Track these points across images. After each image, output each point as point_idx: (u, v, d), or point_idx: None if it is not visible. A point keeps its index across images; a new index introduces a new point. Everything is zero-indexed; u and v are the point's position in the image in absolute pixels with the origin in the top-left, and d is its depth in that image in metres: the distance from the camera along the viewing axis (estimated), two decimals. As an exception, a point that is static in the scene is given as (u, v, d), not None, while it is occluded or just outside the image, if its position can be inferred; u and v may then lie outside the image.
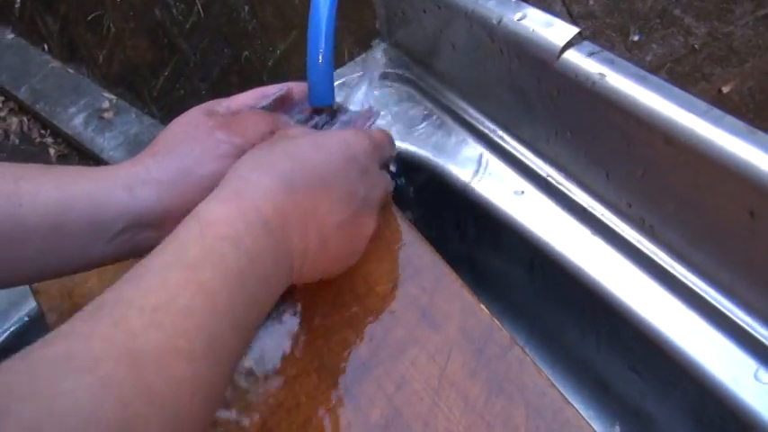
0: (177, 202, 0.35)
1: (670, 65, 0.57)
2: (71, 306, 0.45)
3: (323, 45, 0.42)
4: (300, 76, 0.42)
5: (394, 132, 0.52)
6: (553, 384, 0.38)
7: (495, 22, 0.42)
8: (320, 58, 0.42)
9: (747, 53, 0.52)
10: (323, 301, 0.41)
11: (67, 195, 0.33)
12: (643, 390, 0.46)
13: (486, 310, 0.40)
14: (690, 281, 0.40)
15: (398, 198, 0.45)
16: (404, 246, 0.43)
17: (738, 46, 0.52)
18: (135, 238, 0.35)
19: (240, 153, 0.35)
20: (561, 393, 0.37)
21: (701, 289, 0.39)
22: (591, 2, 0.59)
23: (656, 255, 0.41)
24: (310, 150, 0.34)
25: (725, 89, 0.55)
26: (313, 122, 0.44)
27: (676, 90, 0.34)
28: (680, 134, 0.34)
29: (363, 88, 0.53)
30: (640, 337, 0.41)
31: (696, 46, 0.54)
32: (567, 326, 0.50)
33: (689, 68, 0.56)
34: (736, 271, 0.37)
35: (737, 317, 0.38)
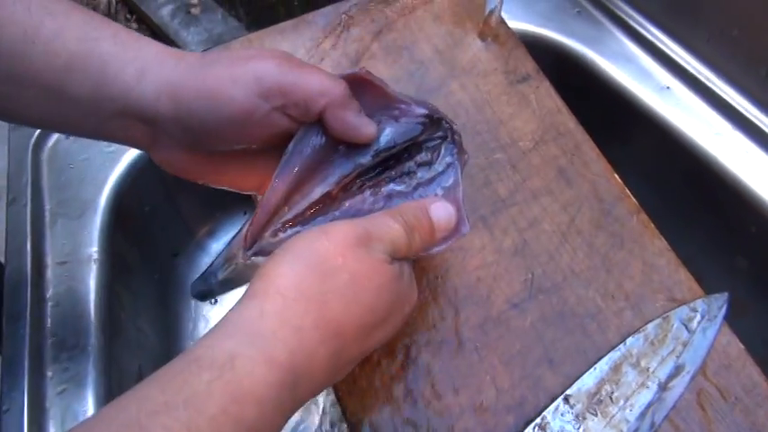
0: (173, 110, 0.30)
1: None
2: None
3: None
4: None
5: (546, 24, 0.55)
6: (670, 249, 0.42)
7: None
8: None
9: None
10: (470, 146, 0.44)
11: (83, 52, 0.30)
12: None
13: (618, 179, 0.44)
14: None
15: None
16: (550, 113, 0.47)
17: None
18: (129, 130, 0.32)
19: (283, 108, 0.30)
20: (677, 257, 0.41)
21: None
22: None
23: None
24: (364, 295, 0.28)
25: None
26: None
27: None
28: None
29: None
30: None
31: None
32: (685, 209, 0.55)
33: None
34: None
35: None
